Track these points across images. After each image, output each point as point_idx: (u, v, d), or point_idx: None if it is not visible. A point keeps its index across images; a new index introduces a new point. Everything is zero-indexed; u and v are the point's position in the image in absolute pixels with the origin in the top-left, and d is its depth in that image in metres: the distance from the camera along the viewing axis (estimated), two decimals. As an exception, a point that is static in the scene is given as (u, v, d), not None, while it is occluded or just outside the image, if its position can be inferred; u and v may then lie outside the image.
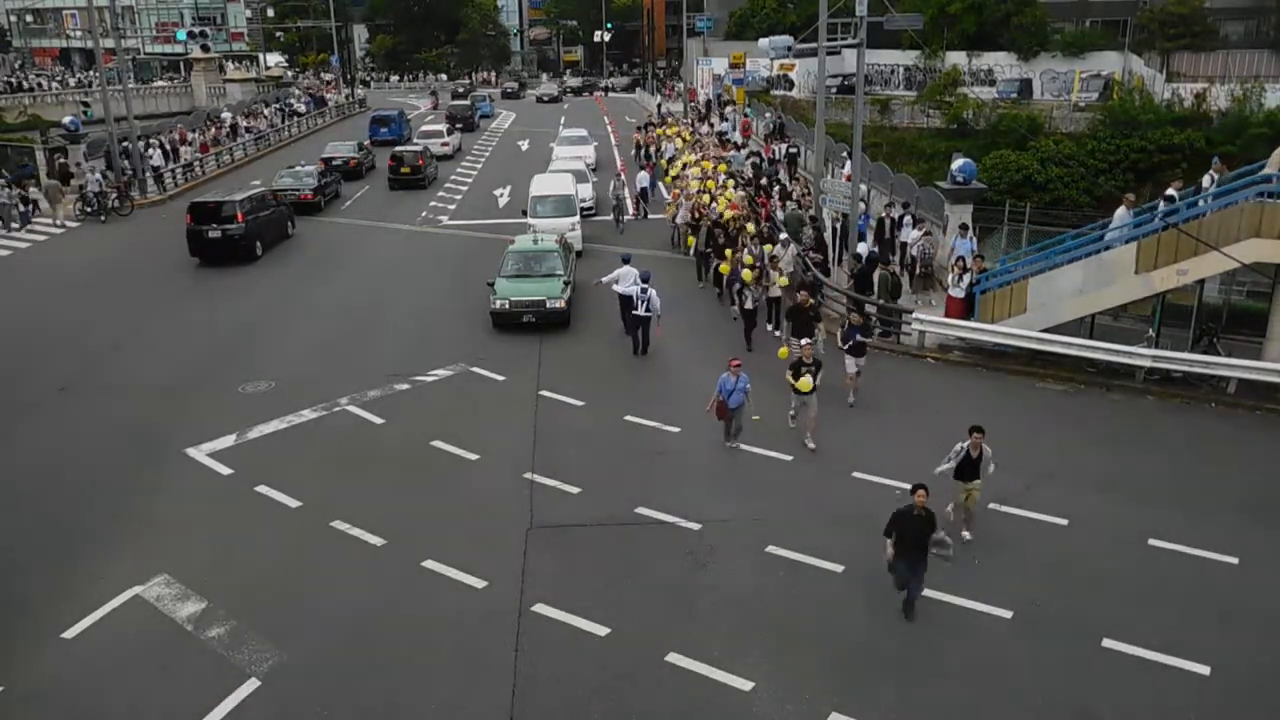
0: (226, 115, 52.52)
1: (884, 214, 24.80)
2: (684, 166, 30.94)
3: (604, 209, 31.18)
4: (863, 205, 23.94)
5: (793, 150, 36.31)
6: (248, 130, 49.27)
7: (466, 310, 21.79)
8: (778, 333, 19.46)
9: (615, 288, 20.04)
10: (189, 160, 40.59)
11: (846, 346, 16.23)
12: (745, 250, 21.14)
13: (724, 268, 21.02)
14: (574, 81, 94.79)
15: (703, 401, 17.00)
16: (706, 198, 25.97)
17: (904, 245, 23.53)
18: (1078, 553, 12.32)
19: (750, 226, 23.12)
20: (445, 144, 45.61)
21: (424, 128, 49.33)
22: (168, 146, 41.41)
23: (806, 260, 22.10)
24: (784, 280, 19.87)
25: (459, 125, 52.94)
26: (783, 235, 22.04)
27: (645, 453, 15.08)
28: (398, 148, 39.43)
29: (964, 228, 22.06)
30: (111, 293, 24.38)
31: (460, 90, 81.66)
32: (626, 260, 20.73)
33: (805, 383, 14.44)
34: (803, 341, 15.06)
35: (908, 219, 23.98)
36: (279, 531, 12.96)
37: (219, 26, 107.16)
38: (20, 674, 10.20)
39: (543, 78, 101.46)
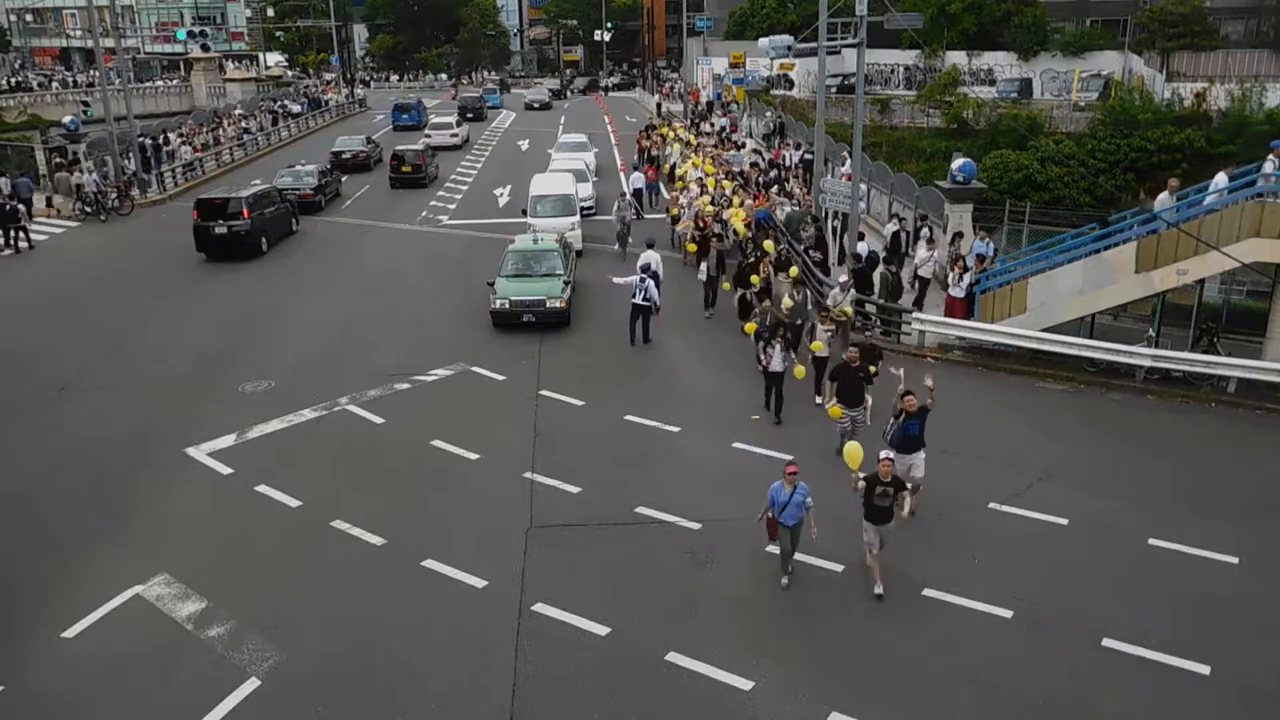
0: (239, 112, 53.27)
1: (898, 227, 23.80)
2: (685, 174, 30.72)
3: (604, 208, 31.14)
4: (862, 205, 23.86)
5: (808, 157, 35.36)
6: (246, 131, 49.29)
7: (466, 310, 21.78)
8: (820, 400, 16.04)
9: (616, 280, 20.23)
10: (189, 160, 40.56)
11: (894, 441, 12.67)
12: (786, 295, 17.88)
13: (750, 328, 17.30)
14: (552, 83, 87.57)
15: (703, 403, 17.10)
16: (711, 207, 24.88)
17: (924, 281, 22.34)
18: (1078, 553, 12.31)
19: (769, 245, 20.97)
20: (455, 135, 48.17)
21: (434, 120, 51.08)
22: (173, 145, 41.37)
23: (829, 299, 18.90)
24: (819, 347, 16.39)
25: (469, 115, 57.50)
26: (842, 278, 18.90)
27: (645, 453, 15.08)
28: (398, 146, 40.19)
29: (981, 232, 22.11)
30: (111, 292, 24.38)
31: (491, 85, 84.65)
32: (650, 245, 21.43)
33: (868, 486, 11.08)
34: (883, 455, 11.31)
35: (925, 232, 22.87)
36: (279, 531, 12.96)
37: (219, 26, 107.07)
38: (20, 674, 10.20)
39: (559, 80, 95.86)
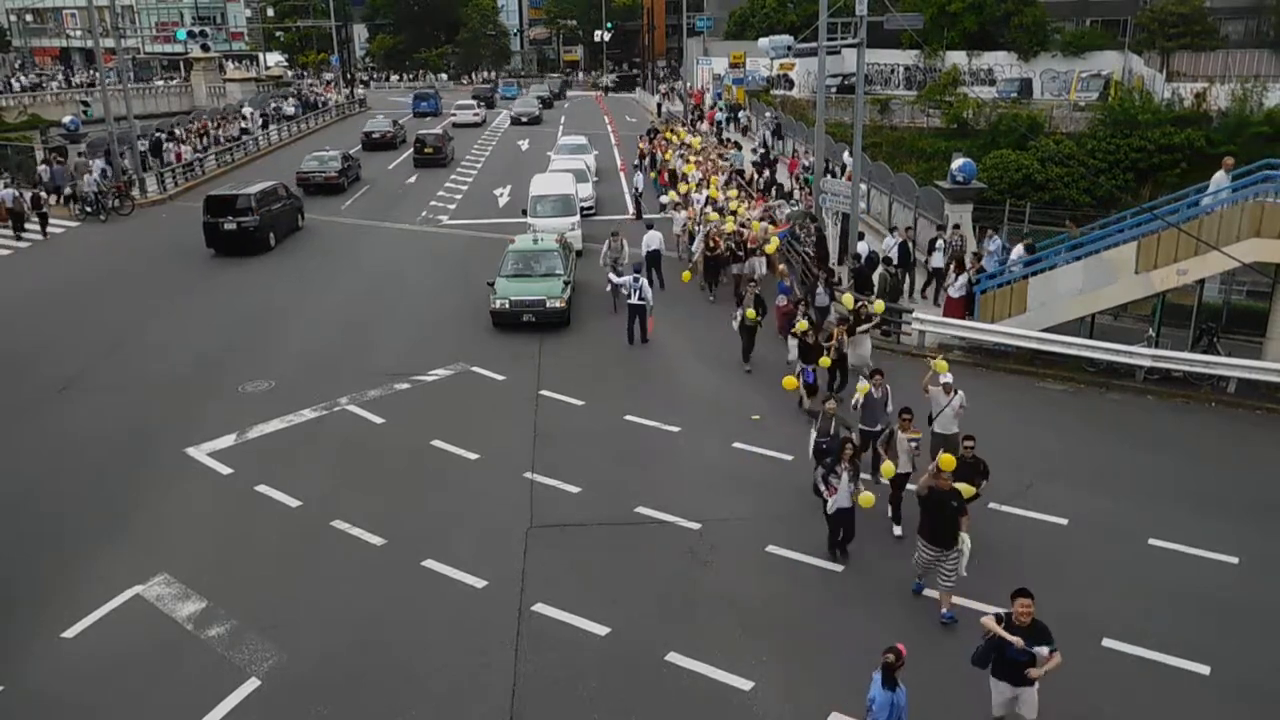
0: (249, 111, 54.84)
1: (901, 239, 22.60)
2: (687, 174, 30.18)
3: (604, 209, 31.06)
4: (862, 205, 23.78)
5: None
6: (245, 132, 49.34)
7: (466, 310, 21.78)
8: (897, 530, 12.65)
9: (613, 279, 20.25)
10: (189, 160, 40.65)
11: (980, 658, 8.96)
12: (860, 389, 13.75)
13: (826, 408, 13.01)
14: (539, 90, 76.11)
15: (703, 403, 17.06)
16: (730, 222, 22.81)
17: (937, 271, 21.57)
18: (1078, 553, 12.31)
19: (848, 298, 17.27)
20: (477, 114, 59.90)
21: (459, 103, 62.37)
22: (165, 145, 41.50)
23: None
24: (890, 471, 12.36)
25: (483, 102, 67.39)
26: (944, 377, 13.59)
27: (645, 452, 15.08)
28: (421, 131, 45.80)
29: (988, 232, 22.10)
30: (111, 292, 24.38)
31: (539, 85, 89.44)
32: (650, 226, 21.67)
33: None
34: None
35: (940, 242, 21.72)
36: (279, 531, 12.96)
37: (219, 26, 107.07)
38: (20, 674, 10.20)
39: (546, 84, 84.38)
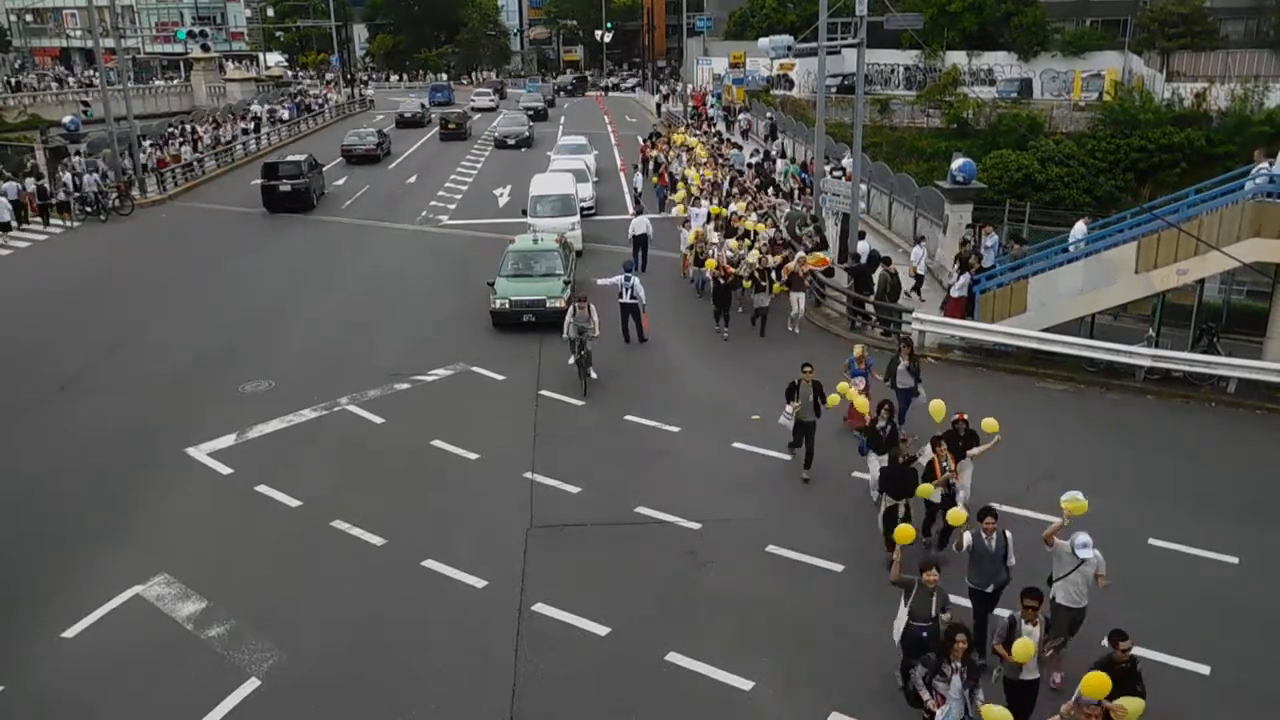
0: (256, 108, 57.03)
1: (925, 252, 22.04)
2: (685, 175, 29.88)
3: (604, 209, 31.01)
4: (862, 205, 23.74)
5: (834, 173, 32.85)
6: (244, 131, 49.36)
7: (466, 310, 21.77)
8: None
9: (600, 281, 20.26)
10: (189, 160, 40.73)
11: None
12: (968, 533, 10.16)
13: (895, 564, 9.78)
14: (533, 99, 66.31)
15: (703, 403, 17.05)
16: (754, 254, 20.39)
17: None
18: (1078, 553, 12.28)
19: (937, 406, 12.64)
20: (492, 100, 70.63)
21: (477, 90, 76.51)
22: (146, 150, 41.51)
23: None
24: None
25: (496, 92, 78.02)
26: (1081, 538, 9.84)
27: (645, 453, 15.07)
28: (445, 109, 58.82)
29: (985, 229, 22.06)
30: (111, 292, 24.38)
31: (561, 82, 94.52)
32: (640, 212, 21.47)
33: None
34: None
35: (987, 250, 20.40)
36: (279, 531, 12.97)
37: (219, 26, 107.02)
38: (20, 674, 10.20)
39: (541, 91, 74.83)
